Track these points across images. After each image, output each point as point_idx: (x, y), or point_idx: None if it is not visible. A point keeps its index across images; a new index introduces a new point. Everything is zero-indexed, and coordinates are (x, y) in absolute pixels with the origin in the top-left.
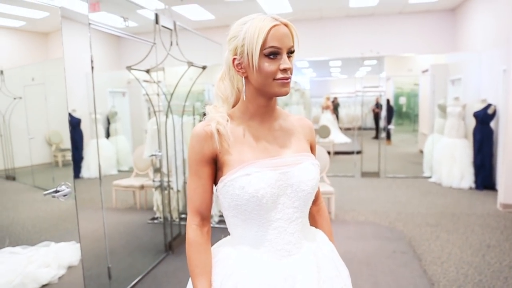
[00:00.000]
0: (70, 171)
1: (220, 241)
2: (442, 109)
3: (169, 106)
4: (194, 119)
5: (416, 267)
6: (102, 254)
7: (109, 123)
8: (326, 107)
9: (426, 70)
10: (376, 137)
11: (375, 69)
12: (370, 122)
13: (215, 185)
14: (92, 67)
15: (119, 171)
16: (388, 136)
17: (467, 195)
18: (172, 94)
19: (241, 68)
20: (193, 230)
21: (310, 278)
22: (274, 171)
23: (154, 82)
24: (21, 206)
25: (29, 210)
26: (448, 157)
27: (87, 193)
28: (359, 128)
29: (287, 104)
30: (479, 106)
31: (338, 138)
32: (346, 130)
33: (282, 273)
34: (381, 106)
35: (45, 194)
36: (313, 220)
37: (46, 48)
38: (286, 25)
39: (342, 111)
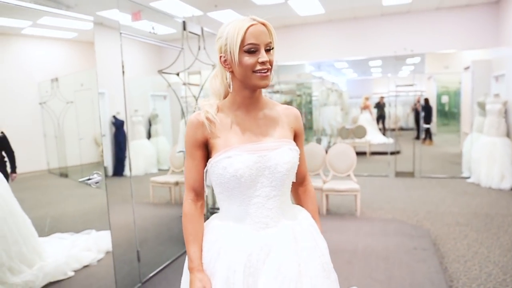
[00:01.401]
0: (100, 152)
1: (212, 215)
2: (482, 106)
3: (196, 105)
4: None
5: (435, 264)
6: (134, 241)
7: (150, 124)
8: (365, 107)
9: (468, 67)
10: (417, 137)
11: (418, 68)
12: (413, 122)
13: None
14: (123, 72)
15: (159, 169)
16: (428, 136)
17: (506, 196)
18: (198, 95)
19: (227, 64)
20: (188, 204)
21: (284, 248)
22: (253, 154)
23: (184, 84)
24: (71, 199)
25: (78, 203)
26: (487, 157)
27: (127, 189)
28: (400, 129)
29: (326, 104)
30: None
31: (376, 138)
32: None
33: (259, 242)
34: (419, 105)
35: (80, 181)
36: (299, 199)
37: (93, 55)
38: (264, 24)
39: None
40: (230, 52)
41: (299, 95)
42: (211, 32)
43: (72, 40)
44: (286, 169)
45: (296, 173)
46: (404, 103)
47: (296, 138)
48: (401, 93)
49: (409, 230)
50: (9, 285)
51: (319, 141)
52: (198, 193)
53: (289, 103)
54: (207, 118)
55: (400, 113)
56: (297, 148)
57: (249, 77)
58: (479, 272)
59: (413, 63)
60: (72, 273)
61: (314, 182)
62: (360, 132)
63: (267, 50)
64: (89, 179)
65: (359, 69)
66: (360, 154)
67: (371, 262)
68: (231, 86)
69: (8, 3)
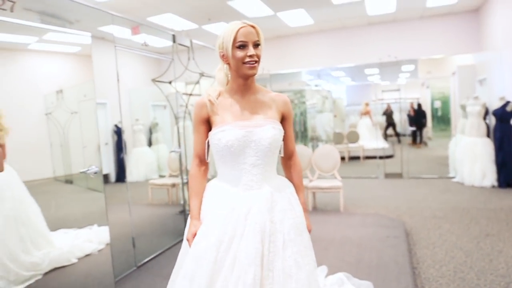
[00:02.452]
0: (99, 156)
1: (213, 179)
2: (463, 108)
3: (185, 112)
4: None
5: (403, 249)
6: (129, 232)
7: (151, 133)
8: (365, 113)
9: (454, 73)
10: (414, 142)
11: (414, 74)
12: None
13: None
14: (118, 80)
15: (160, 176)
16: (419, 139)
17: (487, 193)
18: (187, 101)
19: (225, 58)
20: (193, 168)
21: (262, 206)
22: (242, 129)
23: (177, 92)
24: (76, 204)
25: (82, 207)
26: (469, 156)
27: (126, 192)
28: (397, 135)
29: (321, 111)
30: (498, 104)
31: (370, 143)
32: (388, 136)
33: (243, 200)
34: (412, 111)
35: (81, 172)
36: (288, 171)
37: (91, 68)
38: (253, 26)
39: (380, 118)
40: (226, 48)
41: (295, 104)
42: (201, 44)
43: (76, 54)
44: (268, 142)
45: (285, 149)
46: (401, 110)
47: (284, 120)
48: (390, 100)
49: (386, 222)
50: (20, 263)
51: (315, 146)
52: (202, 159)
53: None
54: (209, 100)
55: (397, 119)
56: (280, 127)
57: (240, 67)
58: (444, 255)
59: (408, 70)
60: (76, 260)
61: None
62: (352, 137)
63: (256, 46)
64: (87, 170)
65: (356, 77)
66: (354, 158)
67: (345, 248)
68: (229, 76)
69: (14, 22)
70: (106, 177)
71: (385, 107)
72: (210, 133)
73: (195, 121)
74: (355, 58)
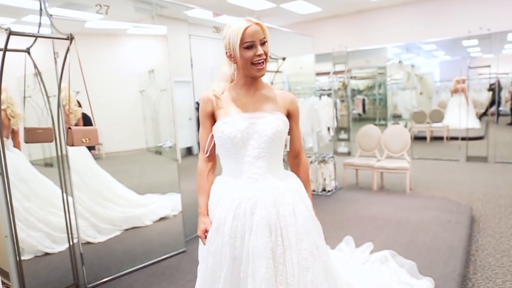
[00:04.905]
0: (174, 130)
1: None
2: None
3: None
4: None
5: (461, 234)
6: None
7: None
8: (455, 91)
9: None
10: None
11: None
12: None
13: None
14: (191, 65)
15: None
16: None
17: None
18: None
19: (232, 57)
20: (201, 163)
21: (267, 199)
22: (245, 121)
23: None
24: (162, 172)
25: (166, 175)
26: None
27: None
28: (493, 114)
29: (404, 88)
30: None
31: (459, 123)
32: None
33: (248, 193)
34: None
35: (159, 146)
36: (294, 169)
37: (167, 50)
38: (258, 24)
39: (474, 94)
40: (233, 48)
41: (376, 79)
42: (279, 28)
43: (165, 36)
44: (271, 133)
45: (291, 148)
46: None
47: (290, 117)
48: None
49: (451, 206)
50: (100, 217)
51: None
52: (210, 154)
53: (371, 87)
54: (214, 95)
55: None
56: (285, 119)
57: (249, 68)
58: (509, 246)
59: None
60: (150, 223)
61: (368, 161)
62: (436, 116)
63: (263, 44)
64: (163, 144)
65: (451, 51)
66: (437, 139)
67: (400, 229)
68: (235, 75)
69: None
70: (189, 150)
71: (492, 82)
72: (214, 127)
73: (201, 115)
74: (440, 32)
